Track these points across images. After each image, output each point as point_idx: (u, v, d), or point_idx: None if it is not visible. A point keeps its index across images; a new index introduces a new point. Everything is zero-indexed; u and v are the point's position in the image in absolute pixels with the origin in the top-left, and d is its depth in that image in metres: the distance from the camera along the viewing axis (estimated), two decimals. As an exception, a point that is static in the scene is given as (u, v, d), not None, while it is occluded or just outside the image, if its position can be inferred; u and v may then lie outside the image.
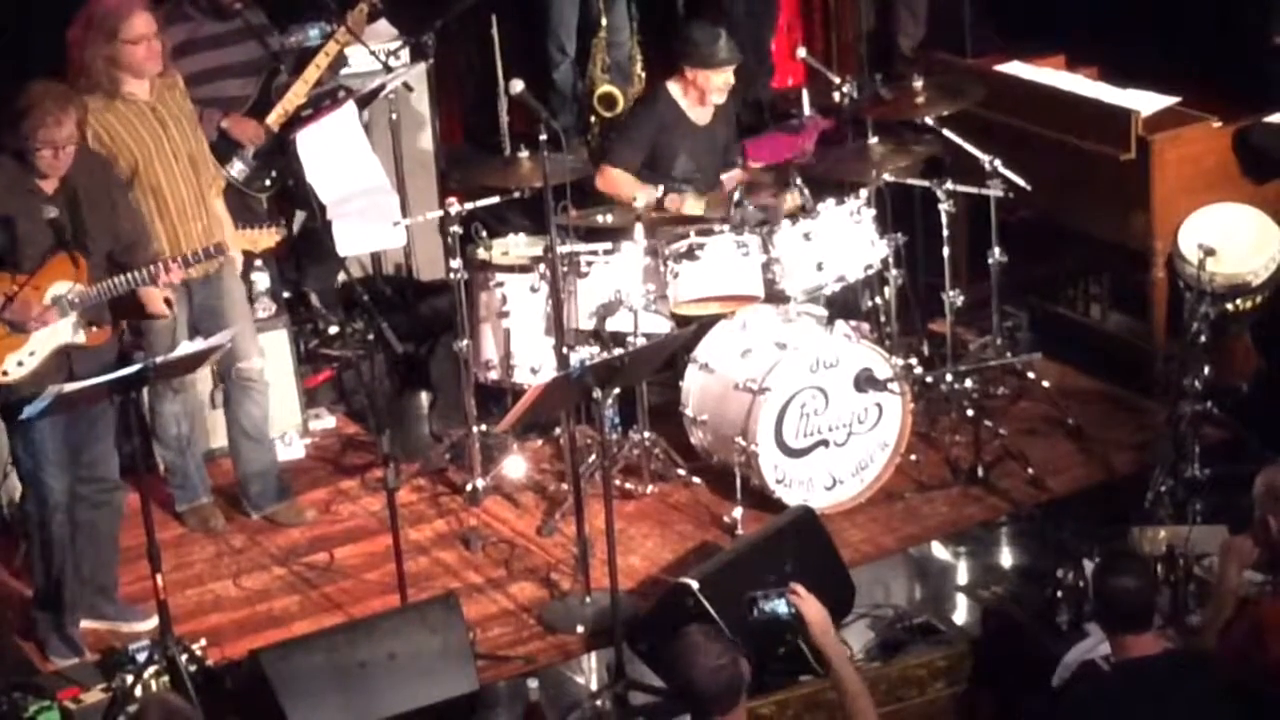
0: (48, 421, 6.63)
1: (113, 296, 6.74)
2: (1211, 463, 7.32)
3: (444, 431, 8.32)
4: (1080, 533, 7.19)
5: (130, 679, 6.57)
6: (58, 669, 6.92)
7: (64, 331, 6.67)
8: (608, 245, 7.68)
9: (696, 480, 7.84)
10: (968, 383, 8.03)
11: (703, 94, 8.11)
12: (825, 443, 7.60)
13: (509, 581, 7.38)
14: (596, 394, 6.65)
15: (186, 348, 6.90)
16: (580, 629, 7.01)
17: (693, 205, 8.01)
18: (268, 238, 7.13)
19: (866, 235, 7.85)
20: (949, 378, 8.06)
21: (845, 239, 7.77)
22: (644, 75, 9.82)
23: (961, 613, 7.12)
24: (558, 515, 7.66)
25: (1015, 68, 8.73)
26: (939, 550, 7.52)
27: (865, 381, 7.55)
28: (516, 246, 7.93)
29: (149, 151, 7.18)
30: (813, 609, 5.66)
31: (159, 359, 6.60)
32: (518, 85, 7.18)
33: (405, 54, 8.93)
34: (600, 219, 7.89)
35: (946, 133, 8.05)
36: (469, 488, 7.90)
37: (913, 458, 7.86)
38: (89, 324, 6.72)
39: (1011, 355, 8.24)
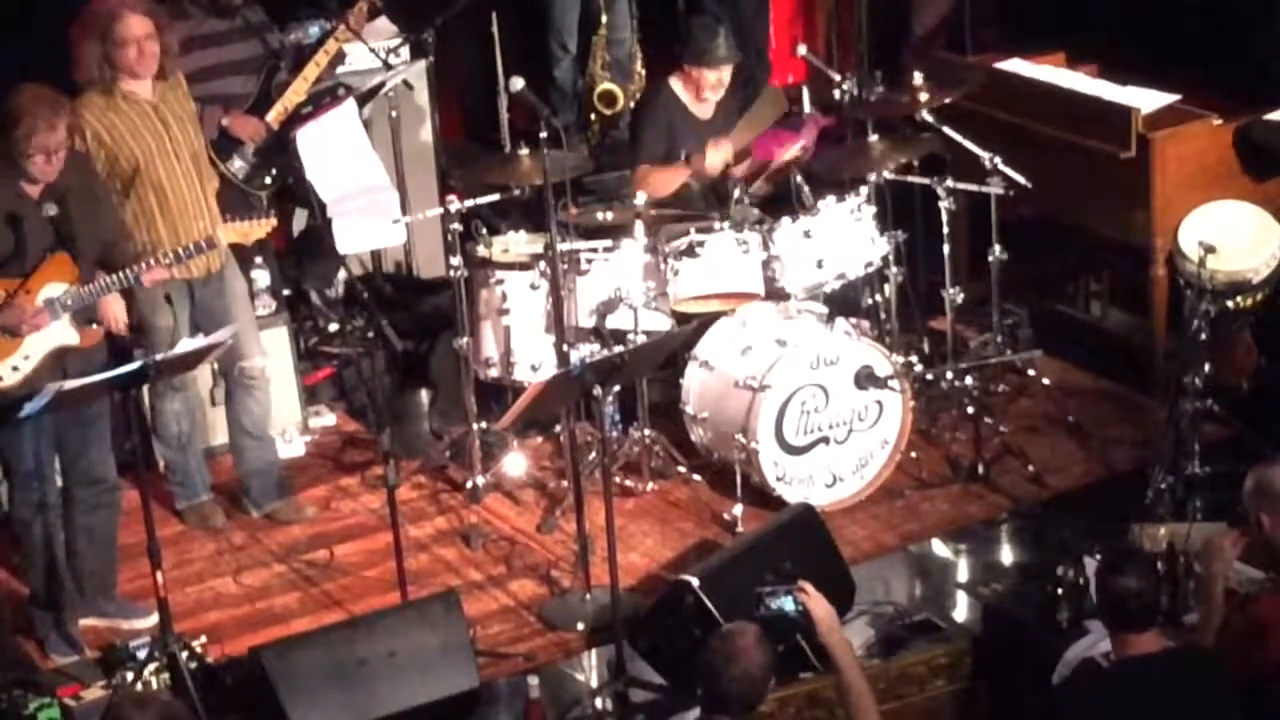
0: (38, 423, 6.63)
1: (103, 295, 6.74)
2: (1211, 460, 7.32)
3: (444, 429, 8.32)
4: (1080, 530, 7.18)
5: (130, 676, 6.59)
6: (58, 666, 6.92)
7: (58, 333, 6.66)
8: (608, 243, 7.68)
9: (697, 478, 7.84)
10: (968, 380, 8.03)
11: (699, 90, 8.13)
12: (826, 440, 7.60)
13: (509, 579, 7.38)
14: (597, 391, 6.65)
15: (187, 345, 6.90)
16: (580, 626, 7.01)
17: (714, 156, 7.98)
18: (259, 229, 7.11)
19: (867, 232, 7.85)
20: (949, 375, 8.06)
21: (845, 236, 7.78)
22: (644, 73, 9.82)
23: (962, 610, 7.12)
24: (558, 512, 7.66)
25: (1015, 65, 8.72)
26: (939, 547, 7.52)
27: (866, 379, 7.55)
28: (517, 244, 7.93)
29: (150, 151, 7.18)
30: (820, 607, 5.67)
31: (159, 356, 6.59)
32: (518, 83, 7.19)
33: (405, 51, 8.93)
34: (600, 216, 7.89)
35: (947, 130, 8.05)
36: (469, 485, 7.90)
37: (913, 455, 7.86)
38: (84, 323, 6.72)
39: (1012, 352, 8.25)
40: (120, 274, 6.72)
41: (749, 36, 9.84)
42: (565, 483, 7.68)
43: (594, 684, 6.82)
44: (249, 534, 7.76)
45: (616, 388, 7.36)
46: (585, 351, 7.45)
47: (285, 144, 8.19)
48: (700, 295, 7.69)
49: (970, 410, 7.93)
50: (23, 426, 6.63)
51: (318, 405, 8.63)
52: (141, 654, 6.66)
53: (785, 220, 7.73)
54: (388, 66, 8.66)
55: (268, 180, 8.20)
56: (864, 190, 7.90)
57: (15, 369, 6.63)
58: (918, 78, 8.02)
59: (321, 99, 8.35)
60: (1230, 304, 7.52)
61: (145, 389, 7.34)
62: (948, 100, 8.01)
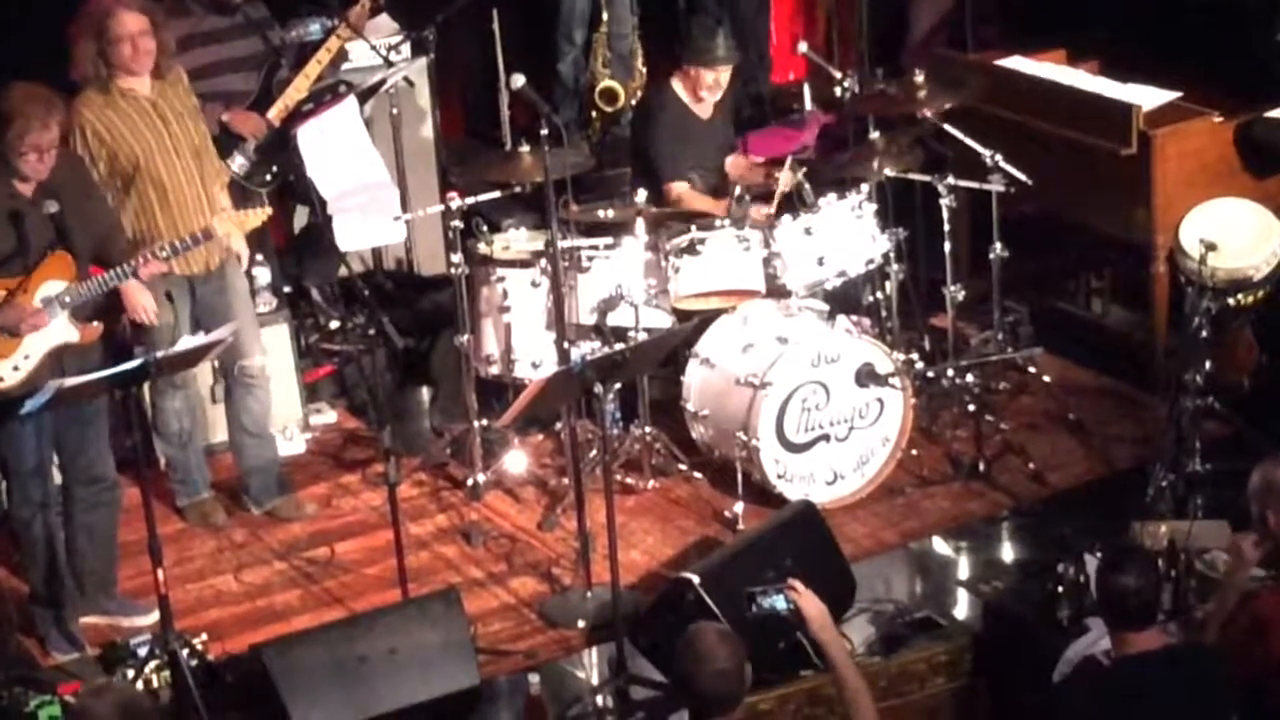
0: (38, 422, 6.62)
1: (101, 292, 6.74)
2: (1212, 457, 7.32)
3: (445, 426, 8.32)
4: (1081, 528, 7.17)
5: (131, 673, 6.59)
6: (58, 664, 6.93)
7: (58, 331, 6.66)
8: (609, 240, 7.68)
9: (698, 475, 7.84)
10: (969, 377, 8.03)
11: (696, 89, 8.13)
12: (826, 437, 7.61)
13: (510, 576, 7.38)
14: (597, 389, 6.65)
15: (188, 342, 6.90)
16: (581, 624, 7.01)
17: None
18: (255, 218, 7.10)
19: (868, 230, 7.85)
20: (950, 372, 8.06)
21: (846, 234, 7.77)
22: (645, 70, 9.82)
23: (962, 607, 7.12)
24: (559, 510, 7.66)
25: (1016, 63, 8.72)
26: (940, 545, 7.52)
27: (866, 376, 7.55)
28: (517, 241, 7.92)
29: (150, 147, 7.18)
30: (811, 604, 5.66)
31: (160, 354, 6.59)
32: (519, 80, 7.19)
33: (406, 49, 8.93)
34: (601, 214, 7.89)
35: (948, 128, 8.05)
36: (470, 482, 7.90)
37: (914, 452, 7.86)
38: (82, 320, 6.72)
39: (1013, 350, 8.24)
40: (118, 269, 6.72)
41: (750, 35, 9.85)
42: (566, 480, 7.68)
43: (595, 681, 6.82)
44: (250, 531, 7.76)
45: (617, 385, 7.36)
46: (586, 349, 7.45)
47: (286, 141, 8.19)
48: (701, 292, 7.69)
49: (971, 408, 7.93)
50: (23, 425, 6.63)
51: (318, 402, 8.63)
52: (142, 651, 6.67)
53: (786, 218, 7.73)
54: (389, 64, 8.66)
55: (268, 177, 8.20)
56: (865, 188, 7.90)
57: (16, 369, 6.63)
58: (919, 77, 8.02)
59: (322, 96, 8.35)
60: (1231, 301, 7.52)
61: (146, 386, 7.33)
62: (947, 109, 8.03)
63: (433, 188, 9.10)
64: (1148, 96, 8.21)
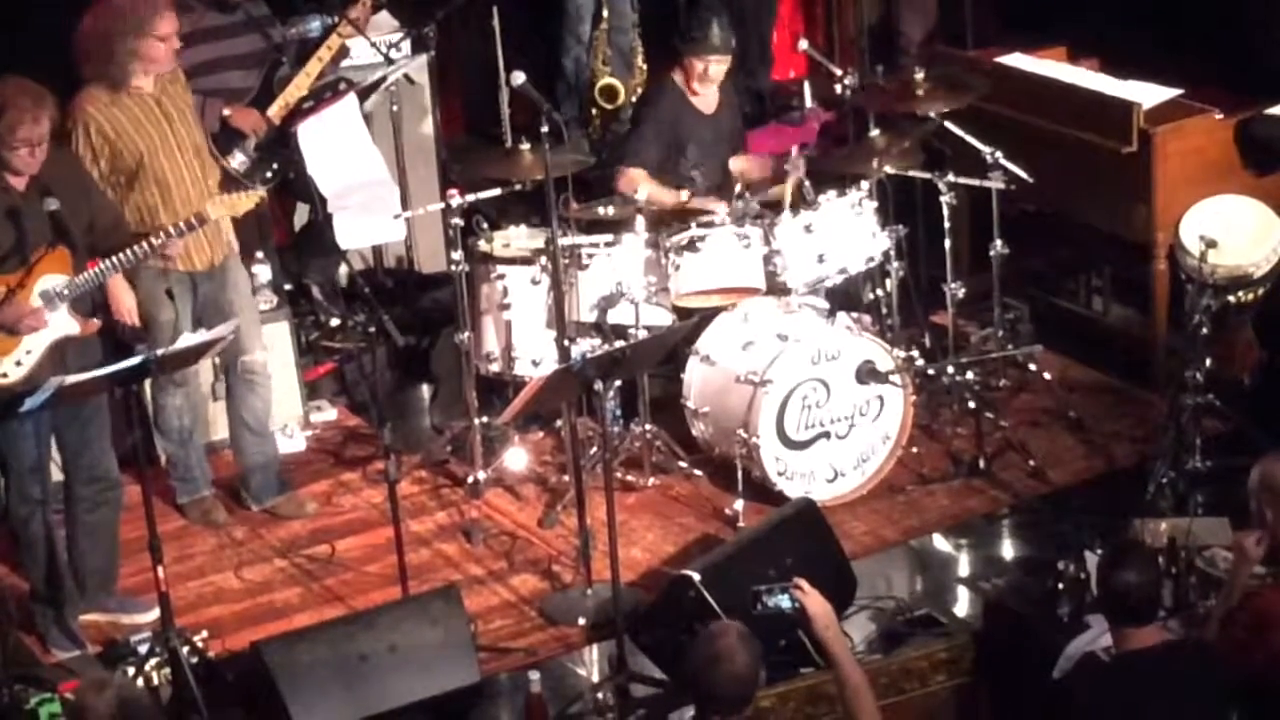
0: (37, 420, 6.62)
1: (99, 282, 6.74)
2: (1212, 455, 7.33)
3: (445, 424, 8.32)
4: (1081, 525, 7.20)
5: (132, 671, 6.58)
6: (59, 661, 6.93)
7: (59, 325, 6.66)
8: (609, 237, 7.68)
9: (698, 472, 7.84)
10: (969, 375, 8.03)
11: (689, 80, 8.10)
12: (827, 435, 7.61)
13: (510, 574, 7.38)
14: (598, 386, 6.65)
15: (189, 339, 6.89)
16: (582, 621, 7.01)
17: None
18: (247, 201, 7.09)
19: (868, 227, 7.85)
20: (950, 370, 8.06)
21: (847, 231, 7.77)
22: (645, 67, 9.81)
23: (963, 605, 7.13)
24: (559, 507, 7.66)
25: (1016, 60, 8.72)
26: (940, 542, 7.52)
27: (867, 374, 7.55)
28: (518, 239, 7.92)
29: (154, 144, 7.18)
30: (816, 603, 5.66)
31: (161, 351, 6.59)
32: (519, 77, 7.19)
33: (406, 46, 8.92)
34: (601, 211, 7.89)
35: (948, 125, 8.04)
36: (470, 480, 7.90)
37: (914, 450, 7.86)
38: (83, 313, 6.71)
39: (1013, 347, 8.24)
40: (114, 259, 6.70)
41: (753, 27, 9.84)
42: (566, 477, 7.68)
43: (595, 679, 6.82)
44: (250, 529, 7.76)
45: (617, 383, 7.37)
46: (586, 346, 7.44)
47: (286, 139, 8.19)
48: (701, 290, 7.68)
49: (971, 405, 7.93)
50: (22, 423, 6.62)
51: (319, 400, 8.63)
52: (143, 649, 6.67)
53: (786, 215, 7.72)
54: (389, 61, 8.66)
55: (268, 174, 8.19)
56: (865, 185, 7.90)
57: (19, 364, 6.62)
58: (919, 75, 8.01)
59: (323, 94, 8.34)
60: (1231, 299, 7.52)
61: (147, 383, 7.33)
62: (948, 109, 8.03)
63: (433, 185, 9.10)
64: (1148, 94, 8.21)
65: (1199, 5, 8.72)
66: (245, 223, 7.70)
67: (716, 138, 8.27)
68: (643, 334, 7.46)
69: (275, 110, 8.14)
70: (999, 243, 8.02)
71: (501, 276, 7.74)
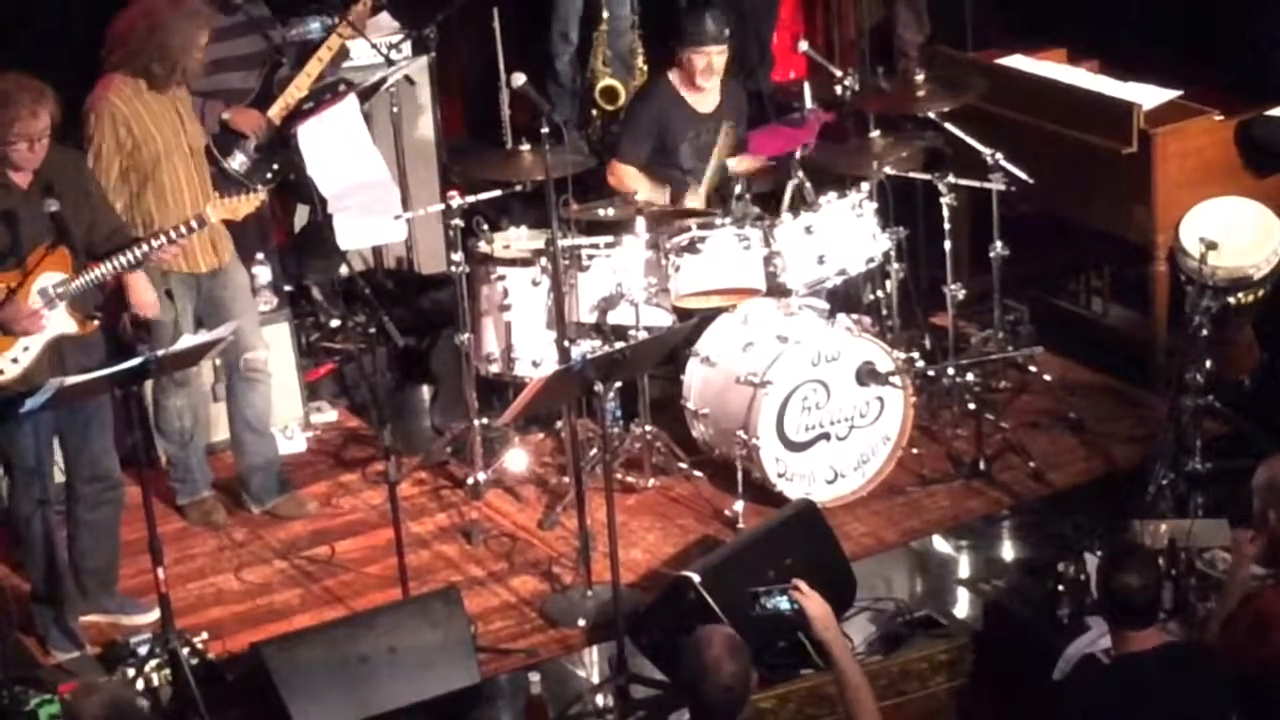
0: (38, 419, 6.62)
1: (99, 283, 6.73)
2: (1213, 456, 7.32)
3: (445, 425, 8.32)
4: (1082, 526, 7.19)
5: (131, 672, 6.58)
6: (59, 662, 6.92)
7: (56, 323, 6.65)
8: (609, 238, 7.68)
9: (698, 474, 7.84)
10: (969, 376, 8.03)
11: (691, 77, 8.09)
12: (827, 436, 7.61)
13: (510, 575, 7.38)
14: (598, 387, 6.65)
15: (190, 340, 6.89)
16: (582, 622, 7.01)
17: (694, 199, 8.01)
18: (247, 204, 7.09)
19: (868, 229, 7.84)
20: (951, 371, 8.06)
21: (847, 232, 7.77)
22: (645, 68, 9.81)
23: (963, 606, 7.13)
24: (559, 508, 7.66)
25: (1017, 61, 8.72)
26: (940, 544, 7.52)
27: (867, 375, 7.55)
28: (518, 240, 7.92)
29: (170, 143, 7.20)
30: (815, 605, 5.66)
31: (161, 352, 6.59)
32: (519, 78, 7.19)
33: (407, 47, 8.93)
34: (602, 212, 7.88)
35: (948, 126, 8.04)
36: (470, 481, 7.90)
37: (914, 451, 7.86)
38: (81, 313, 6.71)
39: (1013, 349, 8.24)
40: (114, 261, 6.69)
41: (753, 31, 9.84)
42: (566, 479, 7.68)
43: (595, 680, 6.82)
44: (250, 530, 7.76)
45: (618, 384, 7.36)
46: (586, 347, 7.44)
47: (287, 140, 8.19)
48: (701, 291, 7.68)
49: (971, 406, 7.93)
50: (23, 422, 6.62)
51: (319, 401, 8.63)
52: (143, 650, 6.67)
53: (786, 216, 7.72)
54: (389, 62, 8.66)
55: (269, 175, 8.19)
56: (865, 186, 7.90)
57: (15, 361, 6.62)
58: (919, 77, 8.01)
59: (323, 94, 8.35)
60: (1231, 300, 7.51)
61: (148, 384, 7.33)
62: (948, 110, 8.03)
63: (433, 186, 9.10)
64: (1148, 95, 8.21)
65: (1199, 6, 8.72)
66: (246, 224, 7.68)
67: (715, 137, 8.25)
68: (643, 335, 7.46)
69: (275, 111, 8.14)
70: (999, 244, 8.02)
71: (502, 277, 7.74)
